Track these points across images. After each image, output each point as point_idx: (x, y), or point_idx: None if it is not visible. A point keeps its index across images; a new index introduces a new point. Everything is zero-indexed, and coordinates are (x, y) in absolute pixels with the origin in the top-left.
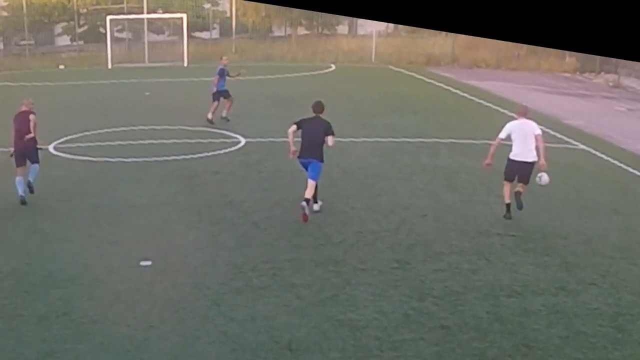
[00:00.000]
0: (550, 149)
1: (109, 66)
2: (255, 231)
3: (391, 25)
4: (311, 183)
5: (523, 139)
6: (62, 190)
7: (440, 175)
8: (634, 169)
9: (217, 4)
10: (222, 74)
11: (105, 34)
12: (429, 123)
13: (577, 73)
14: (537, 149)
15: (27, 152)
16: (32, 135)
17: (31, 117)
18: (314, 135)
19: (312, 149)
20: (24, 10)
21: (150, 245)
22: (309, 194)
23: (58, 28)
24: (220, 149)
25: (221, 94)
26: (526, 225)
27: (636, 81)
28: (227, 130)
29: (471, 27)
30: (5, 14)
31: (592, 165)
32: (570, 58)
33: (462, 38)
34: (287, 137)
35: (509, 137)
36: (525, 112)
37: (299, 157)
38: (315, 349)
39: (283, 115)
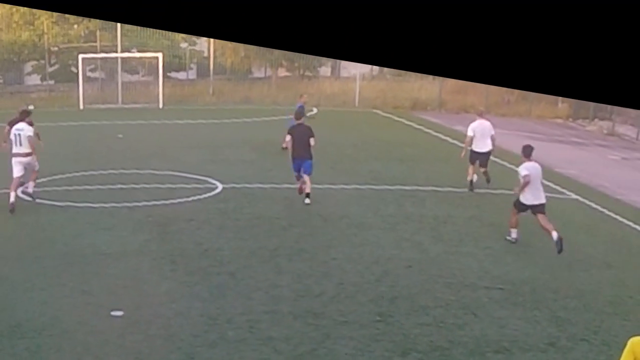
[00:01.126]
0: None
1: (81, 107)
2: (232, 282)
3: (376, 67)
4: (307, 178)
5: (481, 136)
6: (30, 236)
7: (425, 225)
8: (628, 220)
9: (194, 44)
10: (301, 111)
11: (77, 73)
12: (415, 171)
13: (570, 120)
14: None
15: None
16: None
17: (12, 130)
18: (302, 139)
19: (303, 150)
20: None
21: (122, 295)
22: (309, 188)
23: (28, 67)
24: (196, 195)
25: None
26: (515, 279)
27: (631, 129)
28: (203, 175)
29: (459, 70)
30: None
31: (585, 216)
32: (563, 104)
33: (450, 82)
34: (265, 183)
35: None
36: (482, 114)
37: (293, 157)
38: None
39: (262, 161)
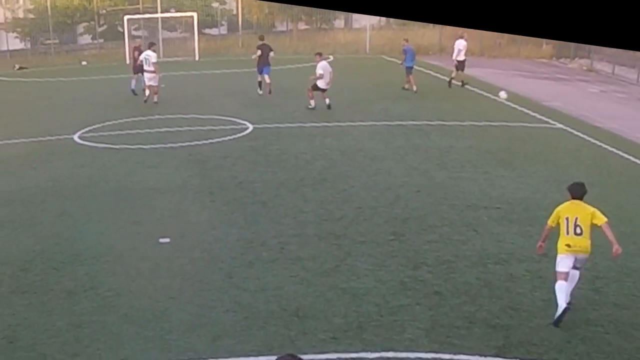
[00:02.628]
0: (531, 128)
1: (127, 61)
2: (264, 209)
3: (383, 18)
4: (267, 77)
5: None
6: (87, 176)
7: (431, 155)
8: (607, 145)
9: (224, 3)
10: (409, 53)
11: (123, 32)
12: (420, 108)
13: (554, 59)
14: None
15: (137, 69)
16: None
17: (141, 55)
18: (266, 54)
19: (266, 61)
20: (49, 12)
21: (169, 225)
22: (270, 85)
23: (80, 28)
24: (230, 135)
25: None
26: (510, 199)
27: (608, 65)
28: (236, 117)
29: (456, 19)
30: (31, 16)
31: (570, 142)
32: (547, 46)
33: (449, 29)
34: (289, 123)
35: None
36: (463, 36)
37: (259, 65)
38: (320, 315)
39: (287, 104)
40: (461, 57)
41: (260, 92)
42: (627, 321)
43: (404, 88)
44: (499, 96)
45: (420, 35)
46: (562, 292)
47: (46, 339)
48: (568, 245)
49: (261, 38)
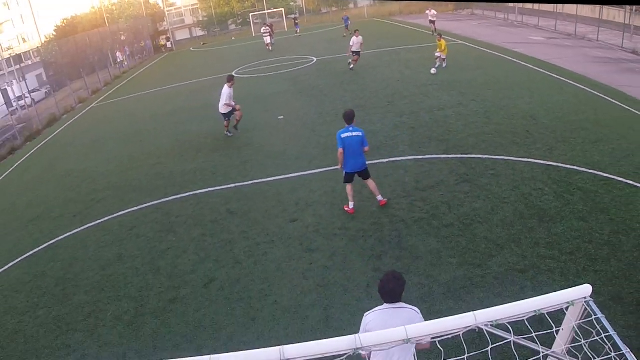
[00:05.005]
0: (447, 45)
1: (253, 35)
2: (326, 98)
3: (373, 2)
4: (298, 30)
5: (432, 16)
6: (242, 92)
7: (402, 63)
8: (484, 48)
9: (295, 1)
10: (346, 19)
11: (250, 22)
12: (393, 40)
13: (454, 11)
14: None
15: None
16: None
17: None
18: (294, 22)
19: (295, 23)
20: (214, 16)
21: (282, 109)
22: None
23: (230, 22)
24: (305, 64)
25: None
26: (443, 79)
27: (481, 11)
28: (308, 55)
29: None
30: (206, 19)
31: (466, 49)
32: (450, 4)
33: (404, 3)
34: (334, 54)
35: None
36: (434, 6)
37: (294, 26)
38: None
39: (331, 47)
40: (431, 19)
41: (297, 34)
42: (504, 130)
43: (344, 36)
44: (430, 72)
45: (390, 7)
46: (437, 64)
47: (229, 169)
48: (441, 50)
49: (295, 16)
